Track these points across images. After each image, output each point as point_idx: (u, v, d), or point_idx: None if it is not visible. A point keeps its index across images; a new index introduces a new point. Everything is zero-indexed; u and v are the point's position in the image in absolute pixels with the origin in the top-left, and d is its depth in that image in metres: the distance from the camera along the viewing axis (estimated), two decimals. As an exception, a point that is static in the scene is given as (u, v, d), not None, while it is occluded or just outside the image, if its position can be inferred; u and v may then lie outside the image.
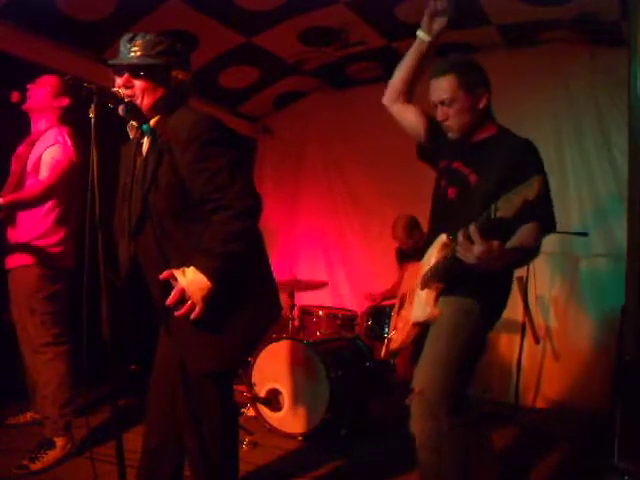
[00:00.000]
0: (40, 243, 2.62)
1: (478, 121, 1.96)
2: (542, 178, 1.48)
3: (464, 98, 1.92)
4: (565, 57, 4.17)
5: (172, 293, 1.67)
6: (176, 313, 1.67)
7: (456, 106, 1.92)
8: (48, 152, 2.60)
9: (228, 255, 1.69)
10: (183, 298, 1.67)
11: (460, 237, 1.63)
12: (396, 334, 2.07)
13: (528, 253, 1.80)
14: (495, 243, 1.58)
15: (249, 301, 1.83)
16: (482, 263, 1.62)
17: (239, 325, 1.81)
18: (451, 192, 1.99)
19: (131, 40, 1.77)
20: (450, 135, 1.99)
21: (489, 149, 1.92)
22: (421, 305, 1.90)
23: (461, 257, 1.66)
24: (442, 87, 1.93)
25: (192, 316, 1.67)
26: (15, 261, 2.63)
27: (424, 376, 1.88)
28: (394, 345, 2.07)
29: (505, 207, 1.48)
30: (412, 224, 4.03)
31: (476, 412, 2.09)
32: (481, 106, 1.94)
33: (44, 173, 2.58)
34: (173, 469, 1.96)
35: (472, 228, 1.59)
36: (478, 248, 1.57)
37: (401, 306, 2.12)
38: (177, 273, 1.67)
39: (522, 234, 1.77)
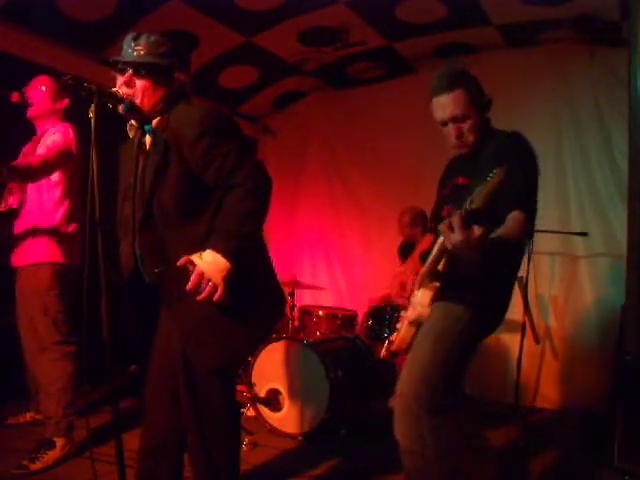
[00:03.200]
0: (53, 239, 2.62)
1: (485, 131, 1.95)
2: (504, 170, 1.50)
3: (476, 113, 1.90)
4: (565, 57, 4.17)
5: (192, 277, 1.64)
6: (198, 297, 1.64)
7: (470, 122, 1.90)
8: (49, 137, 2.64)
9: (243, 235, 1.68)
10: (201, 283, 1.64)
11: (443, 224, 1.64)
12: (396, 335, 2.07)
13: (508, 243, 1.74)
14: (476, 233, 1.56)
15: (256, 296, 1.84)
16: (459, 250, 1.62)
17: (247, 320, 1.82)
18: (453, 209, 1.96)
19: (135, 39, 1.78)
20: (462, 152, 1.98)
21: (483, 151, 1.92)
22: (414, 304, 1.91)
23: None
24: (452, 103, 1.89)
25: (215, 298, 1.64)
26: (26, 258, 2.62)
27: (406, 378, 1.88)
28: (394, 347, 2.07)
29: (477, 200, 1.54)
30: (419, 215, 4.04)
31: (472, 412, 2.09)
32: (487, 115, 1.95)
33: (41, 150, 2.60)
34: (172, 469, 1.96)
35: (455, 215, 1.60)
36: (456, 236, 1.58)
37: (404, 308, 2.12)
38: (194, 257, 1.65)
39: (507, 224, 1.75)
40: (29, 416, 2.99)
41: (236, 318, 1.79)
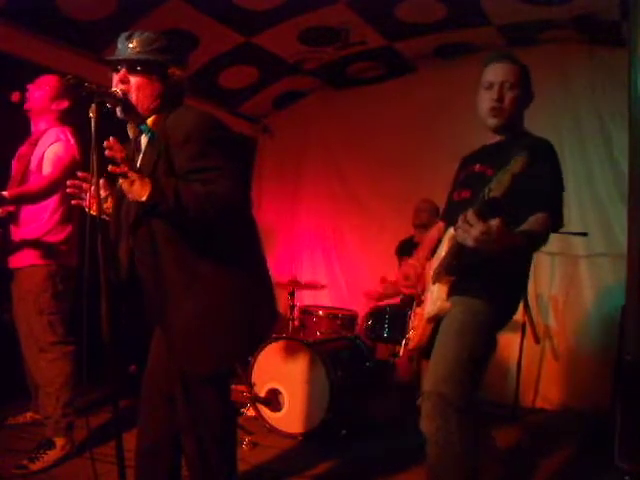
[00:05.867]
0: (47, 241, 2.63)
1: (519, 119, 1.99)
2: (527, 156, 1.48)
3: (522, 91, 1.96)
4: (565, 57, 4.17)
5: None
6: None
7: (515, 92, 1.94)
8: (51, 149, 2.62)
9: (183, 204, 1.57)
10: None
11: (459, 221, 1.63)
12: (413, 333, 2.06)
13: (533, 239, 1.77)
14: (493, 224, 1.55)
15: (244, 304, 1.82)
16: (480, 245, 1.60)
17: (233, 327, 1.81)
18: (465, 194, 1.99)
19: (129, 37, 1.78)
20: (491, 122, 1.99)
21: (509, 147, 1.89)
22: (433, 300, 1.91)
23: (461, 241, 1.65)
24: (508, 70, 1.95)
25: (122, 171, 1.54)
26: (22, 260, 2.63)
27: (433, 376, 1.86)
28: (412, 345, 2.06)
29: (497, 187, 1.51)
30: (436, 209, 4.01)
31: (479, 412, 2.09)
32: (525, 109, 1.99)
33: (47, 169, 2.60)
34: (170, 468, 1.95)
35: (470, 211, 1.58)
36: (475, 230, 1.57)
37: (417, 304, 2.12)
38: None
39: (530, 222, 1.76)
40: (29, 416, 2.99)
41: (224, 326, 1.78)
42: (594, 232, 3.98)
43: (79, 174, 1.83)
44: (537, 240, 1.79)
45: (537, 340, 3.94)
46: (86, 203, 1.81)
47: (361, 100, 5.04)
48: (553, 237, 4.15)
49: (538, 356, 4.15)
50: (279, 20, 3.88)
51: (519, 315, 3.77)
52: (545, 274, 4.16)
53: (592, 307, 4.08)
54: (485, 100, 1.98)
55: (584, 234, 3.87)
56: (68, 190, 1.82)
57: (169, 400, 1.88)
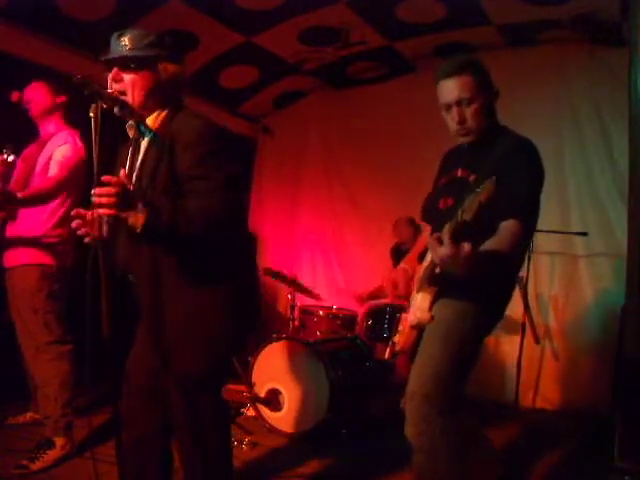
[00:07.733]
0: (44, 241, 2.63)
1: (490, 121, 1.93)
2: (494, 183, 1.46)
3: (482, 97, 1.87)
4: (565, 57, 4.18)
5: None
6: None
7: (475, 105, 1.86)
8: (58, 151, 2.63)
9: (176, 225, 1.59)
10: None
11: (432, 237, 1.62)
12: (399, 337, 2.07)
13: (500, 260, 1.72)
14: (464, 249, 1.53)
15: (228, 307, 1.83)
16: (444, 265, 1.60)
17: (222, 327, 1.82)
18: (450, 202, 1.96)
19: (120, 36, 1.79)
20: (464, 140, 1.94)
21: (489, 147, 1.89)
22: (414, 309, 1.91)
23: (431, 254, 1.65)
24: (460, 86, 1.86)
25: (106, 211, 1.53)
26: (16, 259, 2.63)
27: (417, 377, 1.85)
28: (397, 347, 2.07)
29: (468, 211, 1.51)
30: (415, 223, 4.10)
31: (474, 412, 2.09)
32: (493, 106, 1.93)
33: (54, 170, 2.60)
34: (159, 460, 1.94)
35: (445, 228, 1.57)
36: (444, 250, 1.55)
37: (405, 310, 2.12)
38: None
39: (499, 234, 1.72)
40: (29, 416, 2.99)
41: (211, 325, 1.80)
42: (594, 232, 3.99)
43: (73, 224, 1.76)
44: (505, 259, 1.75)
45: (537, 340, 3.95)
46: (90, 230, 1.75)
47: (361, 100, 5.05)
48: (553, 237, 4.18)
49: (538, 356, 4.15)
50: (279, 20, 3.88)
51: (519, 315, 3.78)
52: (545, 274, 4.16)
53: (592, 307, 4.08)
54: (448, 122, 1.94)
55: (584, 234, 3.88)
56: (73, 225, 1.76)
57: (153, 395, 1.88)
